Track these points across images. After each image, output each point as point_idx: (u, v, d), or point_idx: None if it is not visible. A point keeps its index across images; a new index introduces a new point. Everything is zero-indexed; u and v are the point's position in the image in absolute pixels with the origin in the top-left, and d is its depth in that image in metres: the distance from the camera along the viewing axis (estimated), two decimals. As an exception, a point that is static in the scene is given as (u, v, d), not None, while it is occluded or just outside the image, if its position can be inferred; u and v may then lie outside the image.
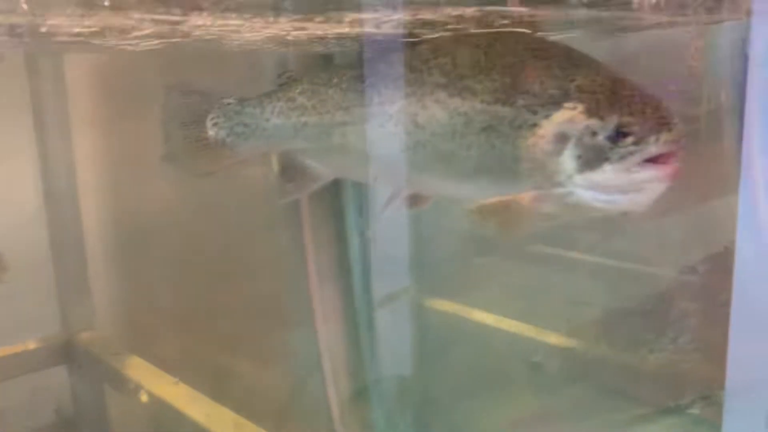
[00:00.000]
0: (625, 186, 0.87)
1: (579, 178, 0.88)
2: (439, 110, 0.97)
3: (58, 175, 1.54)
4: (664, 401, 1.42)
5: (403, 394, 1.38)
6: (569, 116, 0.87)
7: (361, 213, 1.30)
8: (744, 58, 0.93)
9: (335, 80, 1.09)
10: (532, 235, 1.47)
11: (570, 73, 0.90)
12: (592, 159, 0.86)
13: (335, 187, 1.29)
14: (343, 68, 1.12)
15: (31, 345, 1.55)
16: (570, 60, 0.93)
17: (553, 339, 1.58)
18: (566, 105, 0.88)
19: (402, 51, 1.03)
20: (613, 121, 0.85)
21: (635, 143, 0.84)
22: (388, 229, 1.24)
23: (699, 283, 1.44)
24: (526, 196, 0.92)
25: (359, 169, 1.12)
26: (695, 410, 1.35)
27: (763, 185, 0.93)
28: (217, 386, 1.35)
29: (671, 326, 1.47)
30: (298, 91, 1.11)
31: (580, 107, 0.87)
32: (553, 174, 0.89)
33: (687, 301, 1.47)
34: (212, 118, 1.16)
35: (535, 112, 0.90)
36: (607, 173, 0.86)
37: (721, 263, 1.32)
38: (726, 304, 1.17)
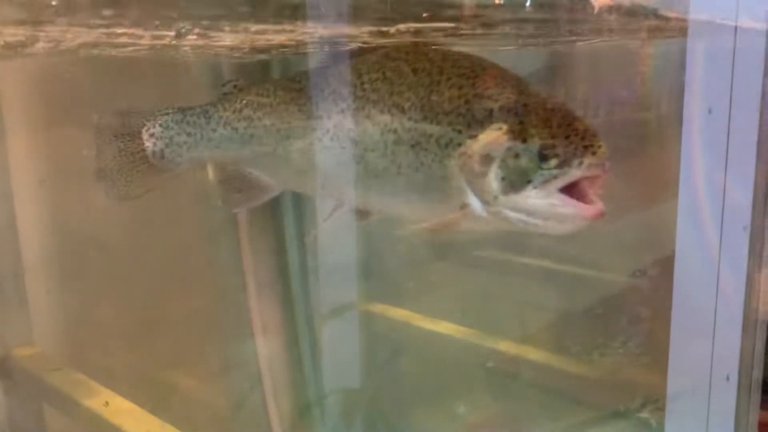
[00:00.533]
0: (549, 207, 0.86)
1: (504, 199, 0.87)
2: (371, 126, 0.97)
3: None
4: (614, 405, 1.43)
5: (351, 406, 1.36)
6: (493, 137, 0.87)
7: (301, 221, 1.28)
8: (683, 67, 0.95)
9: (279, 92, 1.09)
10: (483, 240, 1.47)
11: (495, 92, 0.90)
12: (516, 181, 0.86)
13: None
14: (285, 81, 1.12)
15: None
16: (496, 78, 0.93)
17: (505, 345, 1.57)
18: (491, 126, 0.88)
19: (338, 65, 1.03)
20: (536, 143, 0.85)
21: (558, 166, 0.84)
22: (333, 237, 1.23)
23: (649, 287, 1.45)
24: (454, 216, 0.92)
25: (304, 182, 1.12)
26: (644, 414, 1.36)
27: (701, 189, 0.94)
28: (158, 401, 1.32)
29: (622, 330, 1.48)
30: (244, 102, 1.11)
31: (504, 128, 0.87)
32: (481, 194, 0.89)
33: (637, 304, 1.48)
34: (148, 130, 1.13)
35: (460, 132, 0.90)
36: (532, 196, 0.85)
37: (670, 267, 1.33)
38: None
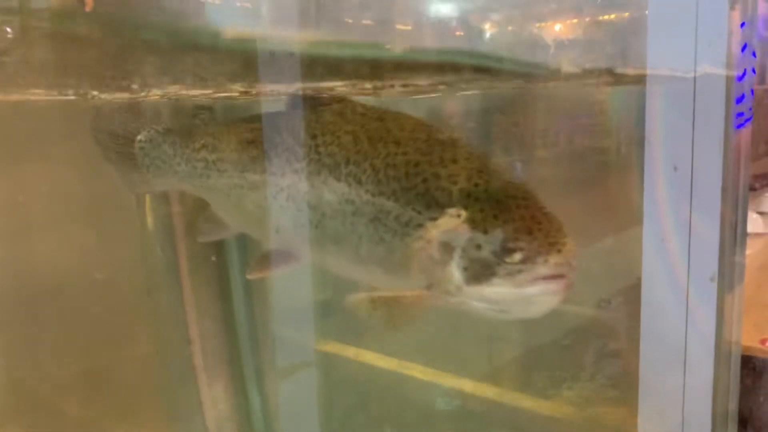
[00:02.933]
0: (515, 300, 0.81)
1: (468, 290, 0.82)
2: (328, 193, 0.92)
3: None
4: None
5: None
6: (452, 225, 0.82)
7: (246, 267, 1.23)
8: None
9: (234, 141, 1.06)
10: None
11: (454, 172, 0.85)
12: (478, 272, 0.81)
13: (217, 240, 1.22)
14: (241, 129, 1.07)
15: None
16: (455, 154, 0.88)
17: (469, 383, 1.53)
18: (449, 211, 0.83)
19: (292, 119, 0.99)
20: (498, 236, 0.80)
21: (523, 261, 0.79)
22: (284, 278, 1.18)
23: (614, 317, 1.43)
24: (415, 294, 0.87)
25: (258, 234, 1.09)
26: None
27: (666, 221, 0.92)
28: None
29: (589, 363, 1.46)
30: (201, 142, 1.07)
31: (464, 215, 0.82)
32: (442, 281, 0.84)
33: (603, 335, 1.46)
34: (139, 142, 1.13)
35: (419, 213, 0.85)
36: (496, 288, 0.80)
37: (635, 295, 1.31)
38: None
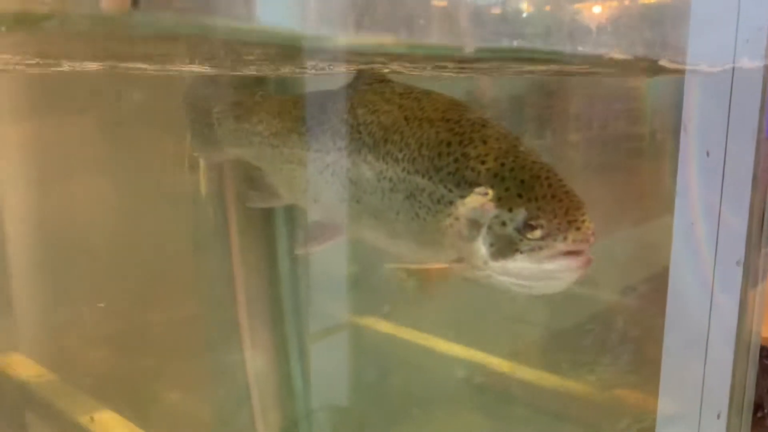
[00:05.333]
0: (538, 275, 0.86)
1: (494, 265, 0.87)
2: (368, 171, 0.98)
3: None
4: (601, 425, 1.42)
5: (338, 422, 1.36)
6: (480, 202, 0.87)
7: (293, 236, 1.28)
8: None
9: (284, 119, 1.11)
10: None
11: (483, 153, 0.89)
12: (503, 248, 0.85)
13: (266, 208, 1.27)
14: (291, 108, 1.13)
15: (-53, 367, 1.47)
16: (487, 136, 0.91)
17: (493, 360, 1.57)
18: (477, 189, 0.87)
19: (338, 101, 1.03)
20: (521, 213, 0.84)
21: (543, 238, 0.83)
22: (324, 251, 1.23)
23: (639, 304, 1.45)
24: (446, 267, 0.91)
25: (305, 205, 1.15)
26: (630, 434, 1.36)
27: (697, 201, 0.95)
28: (143, 413, 1.30)
29: (611, 347, 1.48)
30: (258, 118, 1.14)
31: (490, 194, 0.86)
32: (471, 256, 0.88)
33: (627, 322, 1.48)
34: (215, 114, 1.20)
35: (450, 191, 0.89)
36: (519, 263, 0.85)
37: (662, 284, 1.33)
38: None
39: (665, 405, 1.03)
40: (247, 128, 1.16)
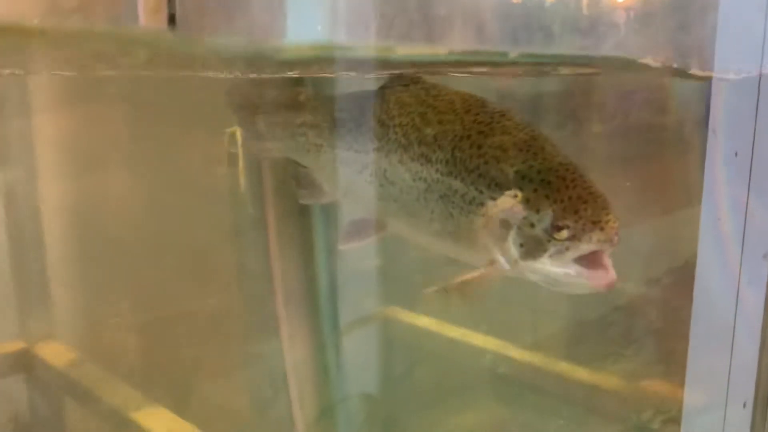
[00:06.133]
0: (566, 276, 0.87)
1: (524, 265, 0.89)
2: (403, 172, 1.00)
3: (17, 180, 1.51)
4: (624, 415, 1.44)
5: (369, 411, 1.38)
6: (510, 204, 0.89)
7: (330, 229, 1.31)
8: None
9: (326, 121, 1.15)
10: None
11: (512, 155, 0.92)
12: (532, 249, 0.87)
13: (303, 204, 1.30)
14: (332, 110, 1.16)
15: (-11, 352, 1.52)
16: (516, 138, 0.94)
17: (518, 351, 1.59)
18: (507, 192, 0.90)
19: (374, 103, 1.06)
20: (548, 215, 0.86)
21: (569, 239, 0.85)
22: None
23: (663, 297, 1.45)
24: (480, 275, 0.94)
25: (347, 204, 1.19)
26: (654, 425, 1.37)
27: (725, 198, 0.96)
28: (179, 400, 1.34)
29: (634, 339, 1.49)
30: (302, 119, 1.17)
31: (520, 196, 0.89)
32: (503, 255, 0.91)
33: (650, 314, 1.49)
34: (263, 112, 1.24)
35: (481, 192, 0.92)
36: (547, 264, 0.87)
37: (685, 276, 1.34)
38: (689, 318, 1.18)
39: (691, 395, 1.04)
40: (291, 128, 1.19)
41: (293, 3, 0.90)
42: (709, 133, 0.93)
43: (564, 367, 1.56)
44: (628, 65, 1.07)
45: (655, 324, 1.48)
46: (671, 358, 1.39)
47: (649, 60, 1.01)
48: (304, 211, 1.32)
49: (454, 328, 1.58)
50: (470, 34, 1.07)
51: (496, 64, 1.07)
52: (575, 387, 1.51)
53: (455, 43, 1.05)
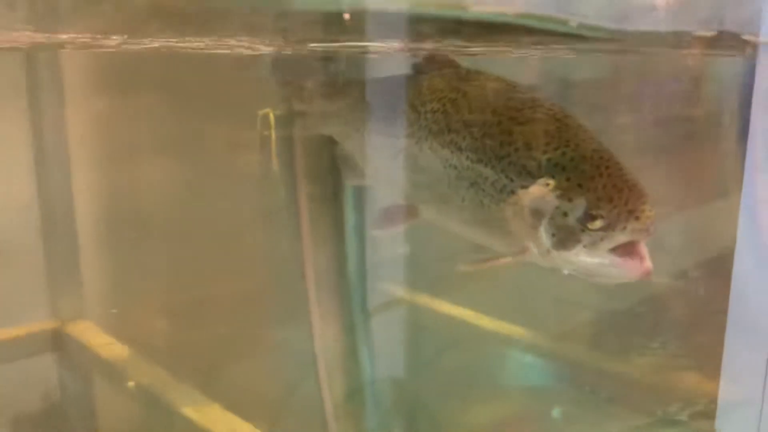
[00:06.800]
0: (601, 267, 0.86)
1: (556, 254, 0.87)
2: (434, 159, 0.99)
3: (51, 159, 1.52)
4: (651, 407, 1.43)
5: (396, 396, 1.39)
6: (542, 193, 0.87)
7: (362, 213, 1.31)
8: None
9: (362, 106, 1.14)
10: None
11: (544, 142, 0.89)
12: (565, 238, 0.85)
13: (335, 186, 1.30)
14: (367, 94, 1.15)
15: (21, 332, 1.54)
16: (548, 125, 0.92)
17: (544, 340, 1.58)
18: (539, 180, 0.88)
19: (407, 88, 1.06)
20: (582, 204, 0.84)
21: (603, 229, 0.83)
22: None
23: (691, 289, 1.44)
24: (511, 260, 0.93)
25: (381, 187, 1.19)
26: (682, 417, 1.36)
27: (763, 183, 0.94)
28: (208, 381, 1.35)
29: (662, 331, 1.48)
30: (341, 102, 1.18)
31: (552, 184, 0.87)
32: (535, 244, 0.89)
33: (678, 306, 1.48)
34: (306, 90, 1.25)
35: (512, 180, 0.90)
36: (581, 255, 0.85)
37: (714, 269, 1.33)
38: (718, 312, 1.17)
39: (727, 389, 1.03)
40: (331, 109, 1.19)
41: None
42: (752, 112, 0.90)
43: (590, 357, 1.55)
44: (682, 38, 1.04)
45: (683, 316, 1.48)
46: (700, 350, 1.38)
47: (703, 32, 0.98)
48: (336, 195, 1.32)
49: (480, 316, 1.58)
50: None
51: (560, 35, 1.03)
52: (600, 377, 1.51)
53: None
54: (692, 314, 1.43)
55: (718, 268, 1.27)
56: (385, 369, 1.39)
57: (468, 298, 1.56)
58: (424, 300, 1.58)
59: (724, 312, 1.04)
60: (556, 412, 1.42)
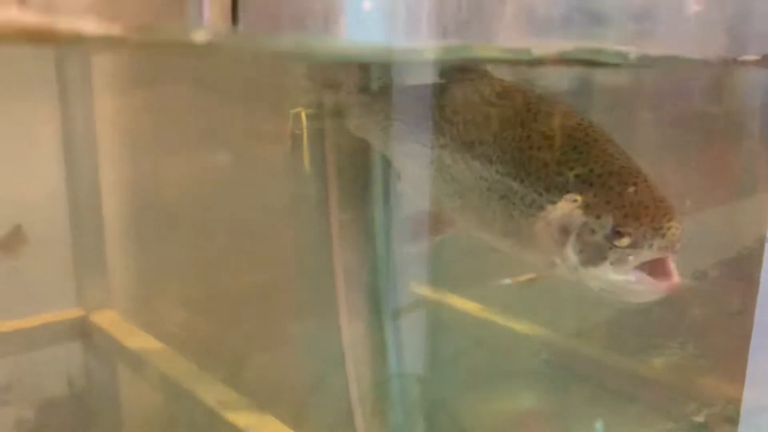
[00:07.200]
0: (628, 283, 0.85)
1: (584, 271, 0.87)
2: (466, 170, 0.99)
3: (79, 150, 1.54)
4: (668, 407, 1.43)
5: (420, 392, 1.40)
6: (569, 209, 0.87)
7: (390, 213, 1.32)
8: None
9: (397, 113, 1.14)
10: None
11: (572, 158, 0.89)
12: (593, 255, 0.85)
13: (364, 186, 1.31)
14: (400, 102, 1.16)
15: (47, 319, 1.56)
16: (577, 139, 0.91)
17: (562, 338, 1.59)
18: (566, 196, 0.88)
19: (439, 96, 1.06)
20: (609, 221, 0.84)
21: (630, 246, 0.83)
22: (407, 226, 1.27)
23: (709, 290, 1.44)
24: (542, 277, 0.95)
25: (416, 195, 1.19)
26: (699, 418, 1.37)
27: None
28: (232, 371, 1.36)
29: (679, 331, 1.48)
30: (377, 107, 1.17)
31: (579, 201, 0.86)
32: (563, 260, 0.89)
33: (696, 307, 1.48)
34: (344, 92, 1.24)
35: (541, 195, 0.90)
36: (608, 272, 0.85)
37: (734, 270, 1.33)
38: (737, 313, 1.17)
39: (752, 393, 1.03)
40: (372, 118, 1.19)
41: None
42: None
43: (607, 356, 1.55)
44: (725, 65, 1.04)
45: (702, 316, 1.47)
46: (716, 352, 1.38)
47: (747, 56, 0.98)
48: (365, 194, 1.33)
49: (502, 314, 1.59)
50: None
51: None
52: (618, 376, 1.51)
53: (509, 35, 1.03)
54: (713, 315, 1.43)
55: (742, 268, 1.27)
56: (410, 365, 1.40)
57: (489, 296, 1.56)
58: (447, 297, 1.59)
59: (745, 313, 1.04)
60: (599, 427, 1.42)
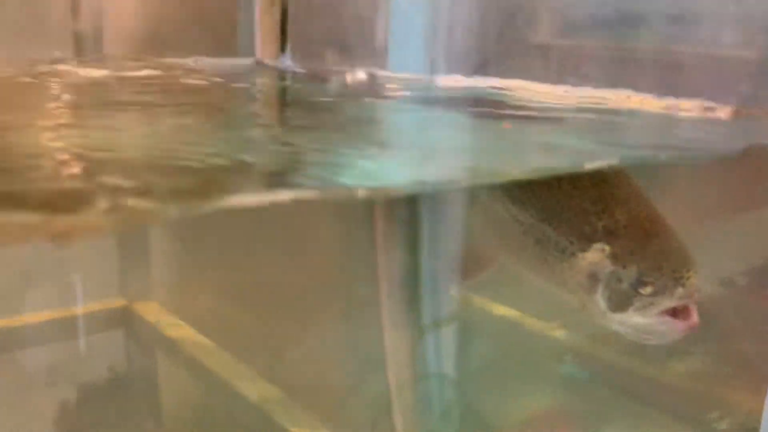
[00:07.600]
0: (651, 327, 0.91)
1: (611, 317, 0.92)
2: (502, 210, 1.04)
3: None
4: (691, 414, 1.45)
5: (455, 396, 1.43)
6: (598, 258, 0.92)
7: (435, 230, 1.34)
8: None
9: None
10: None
11: (600, 209, 0.95)
12: (619, 302, 0.90)
13: (410, 199, 1.33)
14: None
15: (91, 308, 1.61)
16: (604, 191, 0.96)
17: (586, 344, 1.61)
18: (595, 246, 0.93)
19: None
20: (633, 270, 0.89)
21: (653, 294, 0.88)
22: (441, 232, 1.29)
23: (735, 298, 1.45)
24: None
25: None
26: (721, 426, 1.38)
27: None
28: (270, 366, 1.40)
29: (703, 338, 1.49)
30: None
31: (607, 250, 0.92)
32: (591, 305, 0.94)
33: (723, 314, 1.49)
34: None
35: (572, 243, 0.95)
36: (634, 318, 0.90)
37: (762, 278, 1.34)
38: (763, 322, 1.19)
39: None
40: None
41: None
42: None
43: (629, 361, 1.57)
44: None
45: (724, 325, 1.48)
46: (739, 360, 1.40)
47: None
48: (410, 207, 1.35)
49: (531, 320, 1.62)
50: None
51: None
52: (639, 382, 1.53)
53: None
54: (736, 323, 1.44)
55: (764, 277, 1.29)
56: (445, 367, 1.44)
57: (518, 301, 1.59)
58: (481, 302, 1.62)
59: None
60: None
